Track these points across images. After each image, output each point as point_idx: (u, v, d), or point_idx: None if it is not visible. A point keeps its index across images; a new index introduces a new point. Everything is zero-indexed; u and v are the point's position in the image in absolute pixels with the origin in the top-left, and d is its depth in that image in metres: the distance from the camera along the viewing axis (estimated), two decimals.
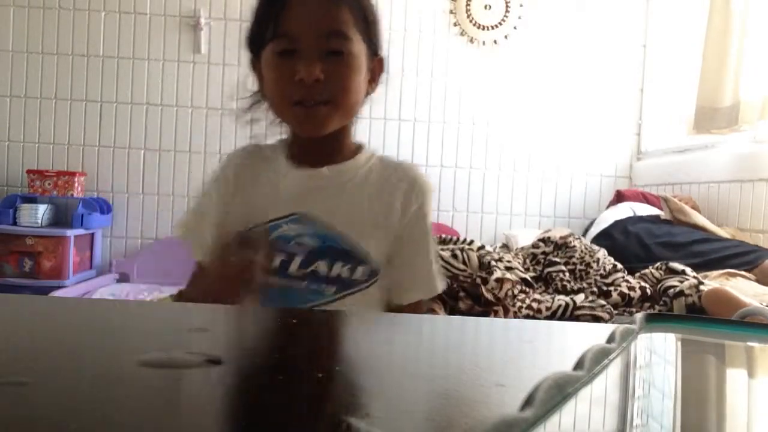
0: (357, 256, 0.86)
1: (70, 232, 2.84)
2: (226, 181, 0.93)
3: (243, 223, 0.86)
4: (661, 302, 1.62)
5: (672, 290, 1.59)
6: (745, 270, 1.84)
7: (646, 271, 1.80)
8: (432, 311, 1.03)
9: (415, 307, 0.94)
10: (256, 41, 0.90)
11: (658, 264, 1.83)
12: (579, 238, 2.07)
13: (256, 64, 0.92)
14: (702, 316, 1.40)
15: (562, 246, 1.98)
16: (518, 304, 1.62)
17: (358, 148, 0.95)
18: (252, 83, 0.95)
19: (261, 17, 0.88)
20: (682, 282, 1.62)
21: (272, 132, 0.96)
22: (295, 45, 0.84)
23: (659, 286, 1.66)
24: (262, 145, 0.97)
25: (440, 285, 0.95)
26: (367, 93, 0.92)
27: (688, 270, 1.78)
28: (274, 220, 0.87)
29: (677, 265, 1.79)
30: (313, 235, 0.86)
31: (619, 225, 2.40)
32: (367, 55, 0.88)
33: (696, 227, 2.27)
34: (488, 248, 1.87)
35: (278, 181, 0.91)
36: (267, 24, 0.86)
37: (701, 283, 1.58)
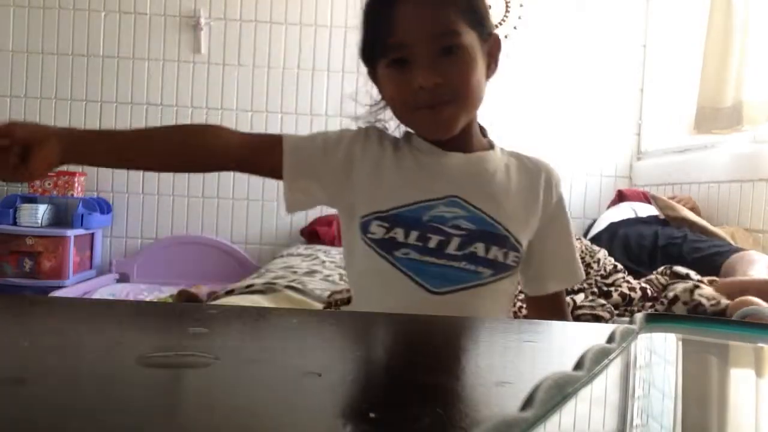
0: (510, 243, 0.88)
1: (70, 232, 2.84)
2: (353, 149, 0.90)
3: (390, 200, 0.87)
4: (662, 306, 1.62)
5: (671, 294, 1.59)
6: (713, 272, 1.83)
7: (651, 276, 1.79)
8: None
9: (559, 296, 0.97)
10: (368, 55, 0.90)
11: (662, 269, 1.83)
12: (579, 238, 2.07)
13: (373, 75, 0.92)
14: (702, 316, 1.40)
15: None
16: (518, 304, 1.62)
17: (491, 145, 0.96)
18: (375, 93, 0.95)
19: (370, 30, 0.88)
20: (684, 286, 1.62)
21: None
22: (407, 54, 0.84)
23: (665, 293, 1.65)
24: (385, 133, 0.96)
25: (582, 272, 0.98)
26: (488, 77, 0.92)
27: (692, 273, 1.78)
28: (429, 200, 0.87)
29: (681, 269, 1.79)
30: (469, 219, 0.87)
31: (612, 228, 2.41)
32: (480, 40, 0.88)
33: (685, 221, 2.29)
34: None
35: (427, 162, 0.91)
36: (376, 37, 0.86)
37: (697, 287, 1.57)
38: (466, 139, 0.92)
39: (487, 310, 0.89)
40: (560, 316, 0.99)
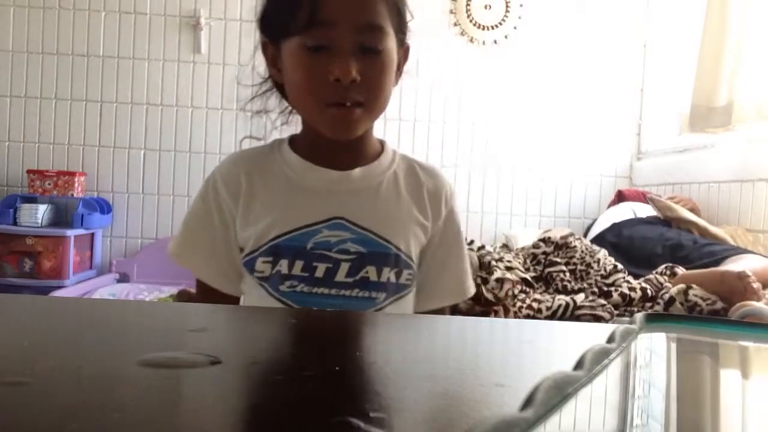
0: (402, 261, 0.83)
1: (70, 232, 2.84)
2: (220, 199, 0.86)
3: (271, 230, 0.81)
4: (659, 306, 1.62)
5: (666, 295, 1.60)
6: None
7: (651, 276, 1.79)
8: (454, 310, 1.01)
9: (441, 311, 0.91)
10: (275, 25, 0.82)
11: (662, 268, 1.83)
12: (579, 238, 2.07)
13: (269, 48, 0.85)
14: (702, 316, 1.40)
15: (562, 246, 1.98)
16: (518, 304, 1.62)
17: (381, 147, 0.90)
18: (263, 69, 0.88)
19: (287, 2, 0.80)
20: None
21: (278, 125, 0.92)
22: (329, 40, 0.77)
23: (660, 294, 1.65)
24: (254, 149, 0.91)
25: (471, 288, 0.92)
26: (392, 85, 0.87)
27: (680, 269, 1.79)
28: (309, 225, 0.81)
29: (680, 270, 1.79)
30: (357, 241, 0.81)
31: (614, 228, 2.41)
32: (397, 47, 0.83)
33: (684, 222, 2.29)
34: (488, 248, 1.87)
35: (301, 182, 0.85)
36: (294, 11, 0.77)
37: (690, 287, 1.57)
38: (362, 146, 0.86)
39: None
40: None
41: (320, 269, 0.80)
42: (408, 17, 0.86)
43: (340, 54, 0.77)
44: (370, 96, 0.80)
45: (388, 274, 0.82)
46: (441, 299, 0.91)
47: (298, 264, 0.80)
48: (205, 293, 0.89)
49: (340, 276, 0.80)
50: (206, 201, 0.87)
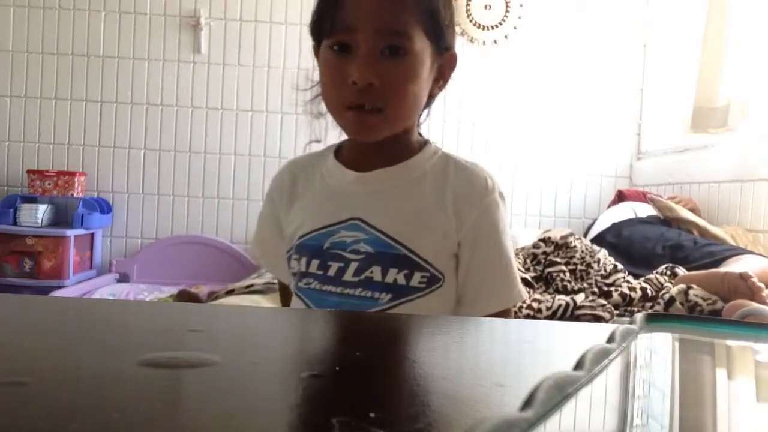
0: (413, 263, 0.81)
1: (70, 232, 2.84)
2: (273, 200, 0.93)
3: (299, 230, 0.86)
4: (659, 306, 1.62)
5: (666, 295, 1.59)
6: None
7: (651, 276, 1.79)
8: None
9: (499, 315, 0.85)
10: (315, 30, 0.84)
11: (662, 268, 1.83)
12: (579, 238, 2.07)
13: (318, 51, 0.86)
14: (702, 316, 1.40)
15: (562, 246, 1.98)
16: (518, 303, 1.62)
17: (421, 147, 0.89)
18: (315, 73, 0.90)
19: (321, 5, 0.82)
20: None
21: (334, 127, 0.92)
22: (350, 40, 0.78)
23: (660, 293, 1.65)
24: (305, 156, 0.96)
25: (518, 293, 0.86)
26: (433, 94, 0.87)
27: (681, 269, 1.79)
28: (329, 225, 0.83)
29: (681, 270, 1.79)
30: (368, 241, 0.81)
31: (615, 228, 2.40)
32: (433, 53, 0.82)
33: (684, 222, 2.29)
34: None
35: (330, 184, 0.88)
36: (326, 14, 0.80)
37: (690, 288, 1.57)
38: (393, 147, 0.86)
39: None
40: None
41: (333, 268, 0.82)
42: (453, 25, 0.86)
43: (360, 57, 0.78)
44: (390, 102, 0.80)
45: (395, 276, 0.81)
46: (483, 306, 0.85)
47: (315, 262, 0.83)
48: (283, 292, 1.00)
49: (348, 275, 0.81)
50: (267, 202, 0.95)
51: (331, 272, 0.82)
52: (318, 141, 0.94)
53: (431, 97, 0.88)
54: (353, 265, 0.81)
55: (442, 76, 0.87)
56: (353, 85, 0.78)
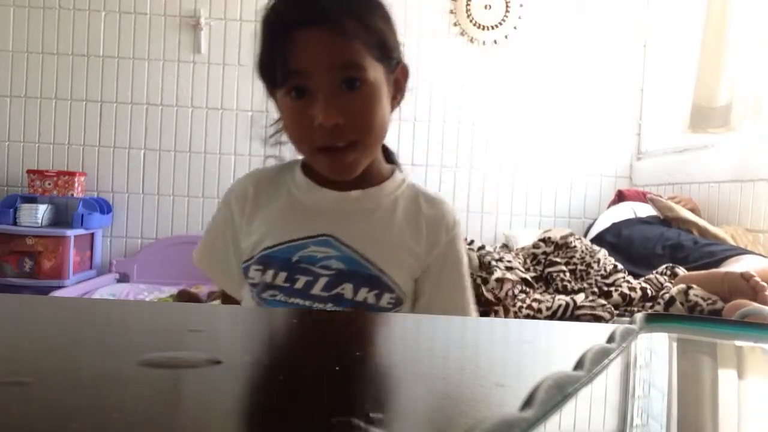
0: (384, 284, 0.84)
1: (70, 232, 2.84)
2: (232, 209, 0.91)
3: (264, 241, 0.85)
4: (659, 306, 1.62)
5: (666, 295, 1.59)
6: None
7: (651, 276, 1.80)
8: None
9: None
10: (265, 76, 0.85)
11: (662, 268, 1.83)
12: (579, 238, 2.07)
13: (272, 92, 0.87)
14: (702, 316, 1.40)
15: (562, 246, 1.98)
16: (518, 304, 1.62)
17: (389, 174, 0.91)
18: (274, 109, 0.90)
19: (268, 51, 0.82)
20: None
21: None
22: (306, 83, 0.79)
23: (661, 293, 1.65)
24: (270, 167, 0.94)
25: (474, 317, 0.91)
26: (393, 108, 0.87)
27: (681, 269, 1.79)
28: (299, 239, 0.84)
29: (681, 270, 1.79)
30: (340, 258, 0.83)
31: (614, 228, 2.41)
32: (386, 72, 0.83)
33: (684, 222, 2.30)
34: (488, 248, 1.87)
35: (301, 200, 0.88)
36: (275, 63, 0.80)
37: (690, 288, 1.57)
38: (363, 172, 0.86)
39: None
40: None
41: (301, 281, 0.83)
42: (396, 35, 0.86)
43: (321, 98, 0.78)
44: (362, 133, 0.81)
45: (366, 294, 0.83)
46: None
47: (282, 275, 0.83)
48: (224, 297, 0.98)
49: (317, 289, 0.82)
50: (222, 213, 0.93)
51: (299, 285, 0.83)
52: (275, 157, 0.95)
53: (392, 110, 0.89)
54: (322, 280, 0.82)
55: (399, 90, 0.88)
56: (320, 127, 0.78)
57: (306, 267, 0.83)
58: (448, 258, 0.89)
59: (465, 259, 0.91)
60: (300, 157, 0.91)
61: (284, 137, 0.89)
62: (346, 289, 0.82)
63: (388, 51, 0.83)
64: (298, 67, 0.79)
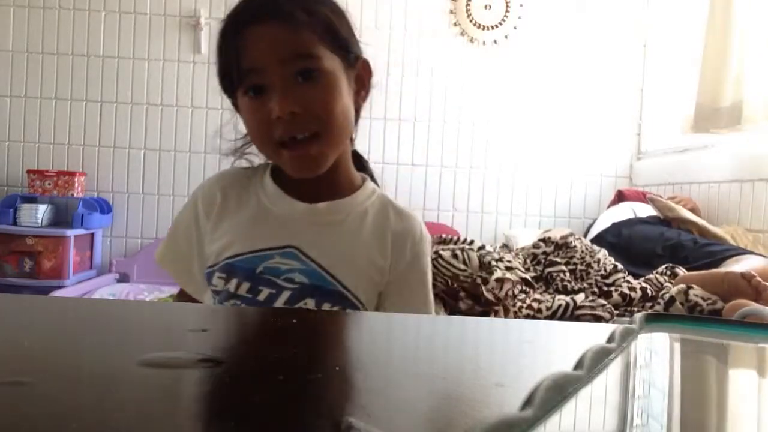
0: (348, 300, 0.83)
1: (70, 232, 2.84)
2: (198, 211, 0.89)
3: (229, 249, 0.84)
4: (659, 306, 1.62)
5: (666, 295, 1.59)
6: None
7: (651, 276, 1.79)
8: None
9: None
10: (227, 85, 0.85)
11: (662, 268, 1.83)
12: (579, 238, 2.07)
13: (237, 106, 0.87)
14: (702, 316, 1.40)
15: (562, 246, 1.98)
16: (518, 304, 1.62)
17: (360, 183, 0.90)
18: (240, 125, 0.90)
19: (224, 57, 0.84)
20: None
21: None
22: (261, 80, 0.79)
23: (661, 293, 1.65)
24: (240, 170, 0.93)
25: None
26: (357, 107, 0.87)
27: (681, 269, 1.79)
28: (264, 249, 0.83)
29: (681, 270, 1.79)
30: (304, 272, 0.82)
31: (614, 228, 2.41)
32: (345, 66, 0.83)
33: (684, 222, 2.30)
34: (488, 248, 1.87)
35: (269, 209, 0.86)
36: (230, 65, 0.81)
37: (690, 288, 1.57)
38: (332, 178, 0.86)
39: None
40: None
41: (264, 293, 0.82)
42: (353, 32, 0.86)
43: (277, 91, 0.78)
44: (322, 123, 0.80)
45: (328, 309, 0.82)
46: None
47: (245, 285, 0.82)
48: (181, 294, 0.96)
49: (279, 303, 0.81)
50: (188, 213, 0.91)
51: (261, 297, 0.82)
52: (248, 162, 0.94)
53: (357, 111, 0.88)
54: (285, 294, 0.81)
55: (362, 86, 0.88)
56: (278, 120, 0.78)
57: (270, 279, 0.82)
58: (411, 273, 0.88)
59: (429, 275, 0.91)
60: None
61: (250, 149, 0.89)
62: (309, 304, 0.82)
63: (341, 41, 0.83)
64: (251, 65, 0.79)
